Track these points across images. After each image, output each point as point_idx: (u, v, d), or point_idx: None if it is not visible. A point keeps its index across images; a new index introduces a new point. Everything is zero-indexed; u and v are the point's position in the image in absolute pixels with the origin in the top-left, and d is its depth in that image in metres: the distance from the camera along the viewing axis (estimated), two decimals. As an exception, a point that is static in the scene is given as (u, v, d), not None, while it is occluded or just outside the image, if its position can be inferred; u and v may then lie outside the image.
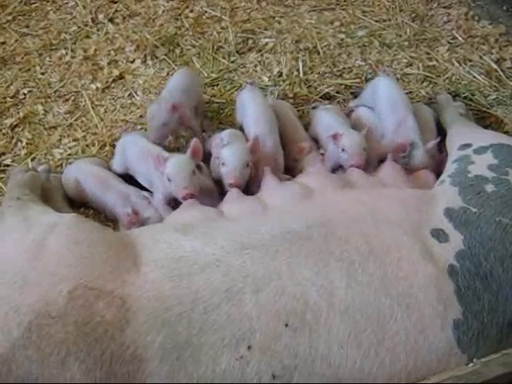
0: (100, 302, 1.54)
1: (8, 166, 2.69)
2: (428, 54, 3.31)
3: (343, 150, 2.35)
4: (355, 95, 2.97)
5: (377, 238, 1.76)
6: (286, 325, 1.53)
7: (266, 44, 3.39)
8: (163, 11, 3.71)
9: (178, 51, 3.34)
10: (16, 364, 1.45)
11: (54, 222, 1.89)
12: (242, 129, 2.63)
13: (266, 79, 3.13)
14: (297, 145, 2.52)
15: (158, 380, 1.46)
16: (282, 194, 2.08)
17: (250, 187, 2.31)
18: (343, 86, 3.09)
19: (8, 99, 3.06)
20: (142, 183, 2.41)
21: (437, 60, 3.25)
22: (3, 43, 3.49)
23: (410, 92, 2.99)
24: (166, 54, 3.30)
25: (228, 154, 2.27)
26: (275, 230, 1.79)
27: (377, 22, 3.57)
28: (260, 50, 3.35)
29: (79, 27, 3.60)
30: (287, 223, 1.83)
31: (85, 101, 3.03)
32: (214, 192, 2.32)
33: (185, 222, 1.93)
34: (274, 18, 3.64)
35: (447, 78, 3.13)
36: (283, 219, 1.87)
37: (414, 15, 3.62)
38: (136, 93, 3.08)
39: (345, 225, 1.81)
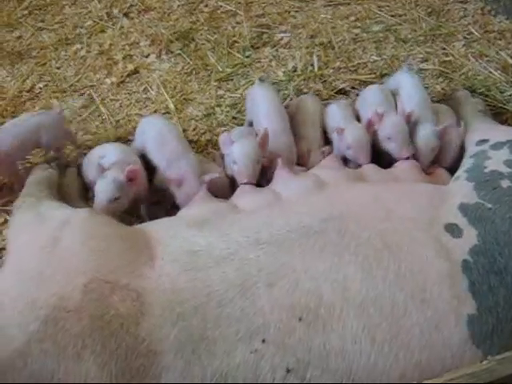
0: (115, 296, 1.55)
1: (25, 158, 2.70)
2: (444, 49, 3.29)
3: (348, 147, 2.36)
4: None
5: (391, 233, 1.76)
6: (300, 319, 1.53)
7: (281, 39, 3.39)
8: (178, 6, 3.73)
9: (192, 46, 3.35)
10: (32, 357, 1.46)
11: (68, 216, 1.90)
12: (251, 124, 2.63)
13: (280, 74, 3.12)
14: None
15: (174, 373, 1.46)
16: (295, 186, 2.07)
17: (261, 182, 2.30)
18: (358, 82, 3.07)
19: (24, 93, 3.09)
20: (157, 165, 2.38)
21: (453, 55, 3.23)
22: (19, 37, 3.52)
23: (426, 87, 2.96)
24: (180, 49, 3.31)
25: (238, 152, 2.25)
26: (289, 224, 1.79)
27: (392, 16, 3.55)
28: (275, 45, 3.34)
29: (94, 22, 3.62)
30: (301, 216, 1.82)
31: (99, 95, 3.04)
32: (226, 189, 2.31)
33: (198, 216, 1.93)
34: (289, 12, 3.64)
35: (463, 73, 3.11)
36: (297, 212, 1.86)
37: (429, 10, 3.60)
38: (151, 87, 3.08)
39: (359, 219, 1.80)
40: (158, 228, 1.90)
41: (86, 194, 2.45)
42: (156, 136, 2.38)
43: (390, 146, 2.38)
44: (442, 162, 2.41)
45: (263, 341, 1.50)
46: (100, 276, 1.60)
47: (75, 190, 2.44)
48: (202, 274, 1.63)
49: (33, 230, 1.89)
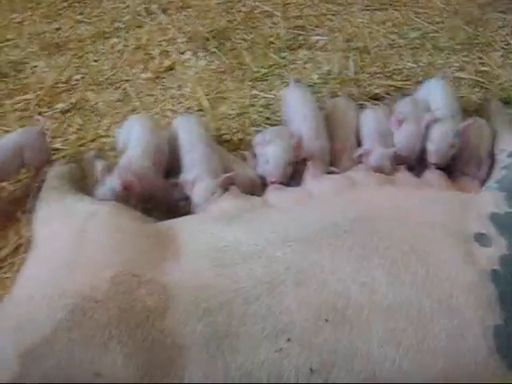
0: (142, 289, 1.57)
1: (58, 149, 2.74)
2: (481, 58, 3.26)
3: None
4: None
5: (419, 238, 1.75)
6: (327, 320, 1.53)
7: (317, 41, 3.38)
8: (216, 4, 3.75)
9: (228, 45, 3.36)
10: (59, 345, 1.47)
11: (95, 209, 1.92)
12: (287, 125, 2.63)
13: (315, 77, 3.12)
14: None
15: (197, 368, 1.46)
16: (326, 186, 2.08)
17: (291, 184, 2.30)
18: (393, 88, 3.06)
19: (60, 84, 3.12)
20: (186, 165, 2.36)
21: (489, 65, 3.20)
22: (58, 29, 3.57)
23: (462, 97, 2.94)
24: (216, 47, 3.33)
25: (272, 153, 2.28)
26: (319, 223, 1.79)
27: (430, 24, 3.53)
28: (310, 47, 3.34)
29: (132, 16, 3.66)
30: (331, 216, 1.83)
31: (134, 89, 3.07)
32: (258, 190, 2.32)
33: (227, 211, 1.95)
34: (325, 15, 3.64)
35: (499, 84, 3.08)
36: (327, 212, 1.87)
37: (468, 19, 3.58)
38: (186, 84, 3.10)
39: (388, 222, 1.80)
40: (184, 223, 1.91)
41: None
42: (186, 138, 2.40)
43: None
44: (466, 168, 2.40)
45: (288, 340, 1.50)
46: (127, 269, 1.62)
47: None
48: (229, 270, 1.64)
49: (60, 221, 1.91)
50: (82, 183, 2.29)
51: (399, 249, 1.69)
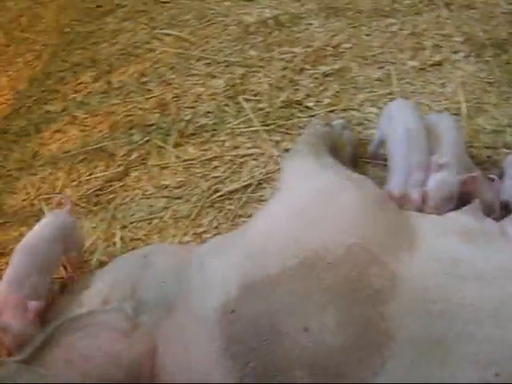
0: (373, 268, 1.57)
1: (308, 108, 2.82)
2: None
3: None
4: None
5: None
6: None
7: None
8: (501, 12, 3.59)
9: (504, 57, 3.21)
10: (279, 289, 1.54)
11: (347, 177, 1.95)
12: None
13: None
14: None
15: (400, 364, 1.45)
16: None
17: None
18: None
19: (329, 48, 3.19)
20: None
21: None
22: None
23: None
24: (491, 57, 3.20)
25: None
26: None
27: None
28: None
29: (413, 2, 3.61)
30: None
31: (397, 74, 3.06)
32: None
33: (468, 225, 1.89)
34: None
35: None
36: None
37: None
38: (449, 84, 3.03)
39: None
40: (425, 221, 1.88)
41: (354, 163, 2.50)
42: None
43: None
44: None
45: (497, 374, 1.45)
46: (364, 244, 1.63)
47: (347, 155, 2.49)
48: (459, 283, 1.59)
49: (310, 177, 1.97)
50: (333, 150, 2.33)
51: None
